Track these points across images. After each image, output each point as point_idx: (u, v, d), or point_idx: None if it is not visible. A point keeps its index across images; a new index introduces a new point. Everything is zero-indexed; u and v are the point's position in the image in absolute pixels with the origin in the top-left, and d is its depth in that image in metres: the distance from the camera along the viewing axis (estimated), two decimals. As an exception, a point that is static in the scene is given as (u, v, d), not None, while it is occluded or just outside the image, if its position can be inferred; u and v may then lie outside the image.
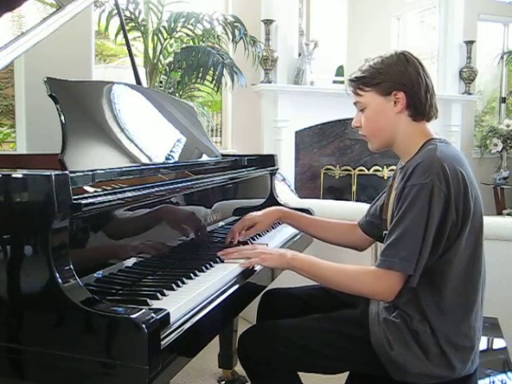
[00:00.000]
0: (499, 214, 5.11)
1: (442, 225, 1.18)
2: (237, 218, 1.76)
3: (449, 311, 1.23)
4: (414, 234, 1.17)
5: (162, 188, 1.26)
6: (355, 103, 1.36)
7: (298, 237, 1.81)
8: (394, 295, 1.21)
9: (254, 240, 1.65)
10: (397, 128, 1.31)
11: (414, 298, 1.23)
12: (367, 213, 1.56)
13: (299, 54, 4.50)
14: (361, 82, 1.32)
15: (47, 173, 0.91)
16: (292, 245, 1.70)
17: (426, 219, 1.17)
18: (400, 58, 1.30)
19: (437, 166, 1.18)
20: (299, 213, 1.69)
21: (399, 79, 1.28)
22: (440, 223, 1.17)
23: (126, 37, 2.17)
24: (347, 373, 1.36)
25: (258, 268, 1.36)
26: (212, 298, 1.13)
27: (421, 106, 1.29)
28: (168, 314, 0.94)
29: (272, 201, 2.06)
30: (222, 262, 1.34)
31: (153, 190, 1.22)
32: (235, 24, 3.45)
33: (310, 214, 2.00)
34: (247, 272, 1.33)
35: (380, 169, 4.55)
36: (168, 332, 0.93)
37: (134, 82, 2.11)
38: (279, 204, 2.05)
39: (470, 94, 5.21)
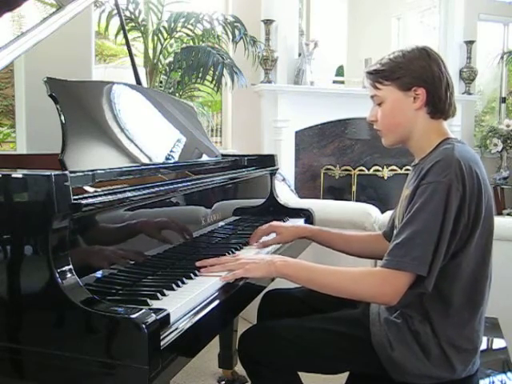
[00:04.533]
0: (499, 214, 5.11)
1: (455, 227, 1.14)
2: (237, 217, 1.76)
3: (454, 314, 1.21)
4: (428, 233, 1.12)
5: (162, 188, 1.26)
6: (372, 97, 1.32)
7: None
8: (398, 298, 1.15)
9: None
10: (414, 125, 1.28)
11: (416, 298, 1.21)
12: (389, 220, 1.51)
13: (299, 54, 4.50)
14: (380, 76, 1.28)
15: (47, 173, 0.91)
16: (291, 245, 1.67)
17: (441, 218, 1.12)
18: (422, 53, 1.26)
19: (455, 166, 1.14)
20: (324, 229, 1.63)
21: (421, 75, 1.24)
22: (453, 225, 1.14)
23: (126, 37, 2.17)
24: (347, 373, 1.36)
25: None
26: (212, 298, 1.12)
27: (440, 103, 1.26)
28: (168, 314, 0.94)
29: (272, 201, 2.06)
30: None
31: (153, 190, 1.22)
32: (235, 24, 3.45)
33: (310, 214, 2.00)
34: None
35: (380, 169, 4.54)
36: (168, 332, 0.93)
37: (134, 81, 2.11)
38: (279, 204, 2.05)
39: (470, 94, 5.20)
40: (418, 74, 1.25)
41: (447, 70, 1.29)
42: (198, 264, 1.25)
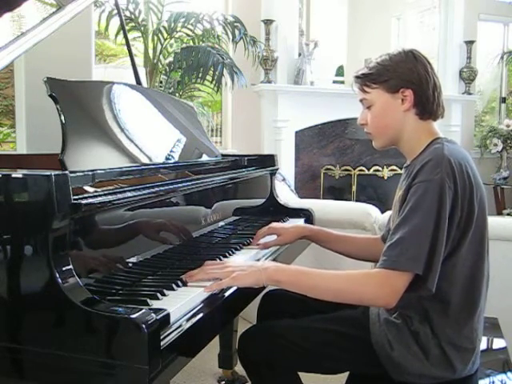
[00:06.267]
0: (499, 214, 5.11)
1: (449, 225, 1.14)
2: (237, 217, 1.76)
3: (453, 314, 1.21)
4: (423, 232, 1.12)
5: (162, 188, 1.26)
6: (361, 100, 1.34)
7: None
8: (397, 299, 1.13)
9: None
10: (403, 126, 1.29)
11: (415, 299, 1.21)
12: (387, 223, 1.51)
13: (299, 54, 4.50)
14: (368, 79, 1.30)
15: (47, 173, 0.91)
16: (289, 247, 1.66)
17: (436, 216, 1.12)
18: (408, 55, 1.28)
19: (446, 164, 1.15)
20: (324, 229, 1.63)
21: (408, 77, 1.26)
22: (447, 223, 1.14)
23: (126, 37, 2.17)
24: (347, 373, 1.37)
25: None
26: (212, 298, 1.12)
27: (428, 104, 1.27)
28: (168, 314, 0.94)
29: (272, 201, 2.06)
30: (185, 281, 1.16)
31: (153, 190, 1.22)
32: (235, 24, 3.45)
33: (310, 214, 2.00)
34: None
35: (380, 169, 4.55)
36: (168, 332, 0.93)
37: (134, 81, 2.11)
38: (279, 204, 2.05)
39: (470, 94, 5.21)
40: (404, 76, 1.26)
41: (434, 71, 1.30)
42: (183, 277, 1.16)
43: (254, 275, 1.18)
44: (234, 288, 1.19)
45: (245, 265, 1.23)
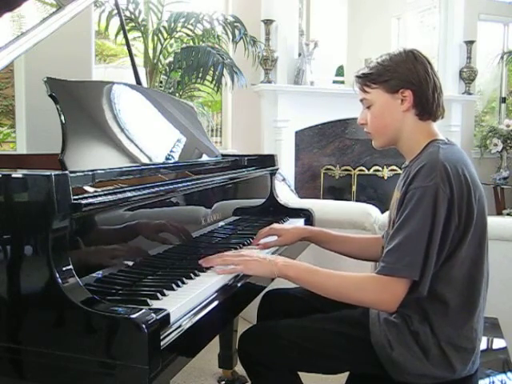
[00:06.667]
0: (499, 214, 5.11)
1: (446, 229, 1.16)
2: (237, 217, 1.76)
3: (452, 314, 1.22)
4: (418, 238, 1.14)
5: (162, 188, 1.26)
6: (361, 100, 1.35)
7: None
8: (398, 304, 1.18)
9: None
10: (402, 126, 1.30)
11: (415, 299, 1.21)
12: (387, 222, 1.53)
13: (299, 54, 4.50)
14: (368, 79, 1.31)
15: (47, 173, 0.91)
16: (288, 248, 1.66)
17: (430, 223, 1.14)
18: (409, 55, 1.28)
19: (440, 169, 1.16)
20: (324, 230, 1.64)
21: (407, 77, 1.26)
22: (444, 227, 1.15)
23: (126, 37, 2.17)
24: (347, 373, 1.36)
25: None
26: (212, 298, 1.13)
27: (428, 105, 1.28)
28: (168, 314, 0.94)
29: (272, 201, 2.06)
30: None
31: (153, 190, 1.22)
32: (235, 24, 3.45)
33: (310, 214, 2.01)
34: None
35: (380, 169, 4.55)
36: (168, 332, 0.93)
37: (134, 81, 2.11)
38: (279, 204, 2.05)
39: (470, 94, 5.20)
40: (404, 76, 1.27)
41: (435, 71, 1.30)
42: (200, 261, 1.26)
43: (267, 267, 1.26)
44: (234, 288, 1.20)
45: (259, 256, 1.30)
